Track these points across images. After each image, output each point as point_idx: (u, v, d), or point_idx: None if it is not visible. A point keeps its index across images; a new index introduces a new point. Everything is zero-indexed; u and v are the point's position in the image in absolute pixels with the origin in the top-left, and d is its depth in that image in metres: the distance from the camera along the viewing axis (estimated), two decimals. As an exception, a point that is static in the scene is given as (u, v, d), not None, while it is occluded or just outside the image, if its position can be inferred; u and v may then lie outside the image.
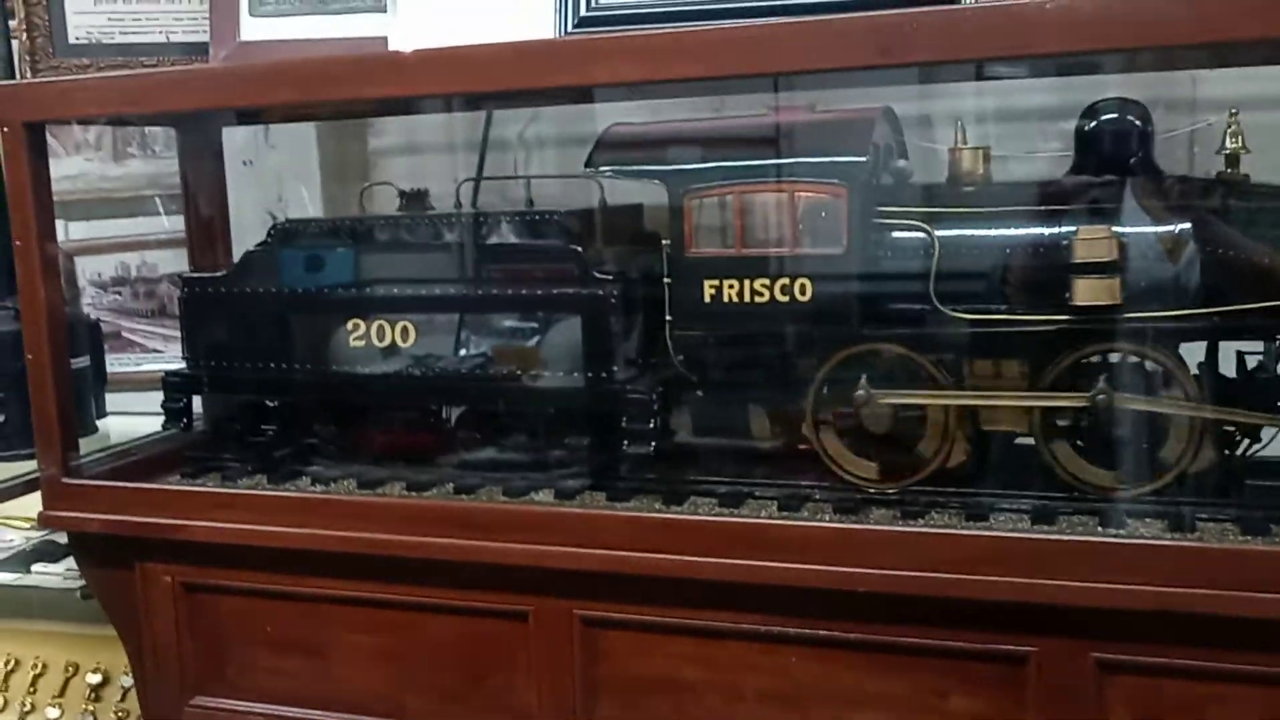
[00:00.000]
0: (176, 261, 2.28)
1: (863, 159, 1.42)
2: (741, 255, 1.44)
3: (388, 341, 1.60)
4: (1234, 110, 1.39)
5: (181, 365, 1.76)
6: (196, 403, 1.80)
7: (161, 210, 2.36)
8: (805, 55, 1.30)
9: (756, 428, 1.57)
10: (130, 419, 2.10)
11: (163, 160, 2.36)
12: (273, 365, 1.68)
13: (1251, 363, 1.40)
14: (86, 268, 2.43)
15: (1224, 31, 1.17)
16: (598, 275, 1.51)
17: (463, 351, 1.59)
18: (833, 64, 1.31)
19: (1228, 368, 1.41)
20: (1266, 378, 1.38)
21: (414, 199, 1.71)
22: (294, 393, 1.70)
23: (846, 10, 1.39)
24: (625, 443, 1.52)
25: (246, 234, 2.17)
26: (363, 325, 1.61)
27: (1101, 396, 1.33)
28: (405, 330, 1.59)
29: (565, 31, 1.50)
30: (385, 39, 1.61)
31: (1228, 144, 1.38)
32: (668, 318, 1.47)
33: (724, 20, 1.43)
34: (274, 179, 2.27)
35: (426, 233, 1.61)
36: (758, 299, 1.43)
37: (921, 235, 1.40)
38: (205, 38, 1.79)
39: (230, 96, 1.57)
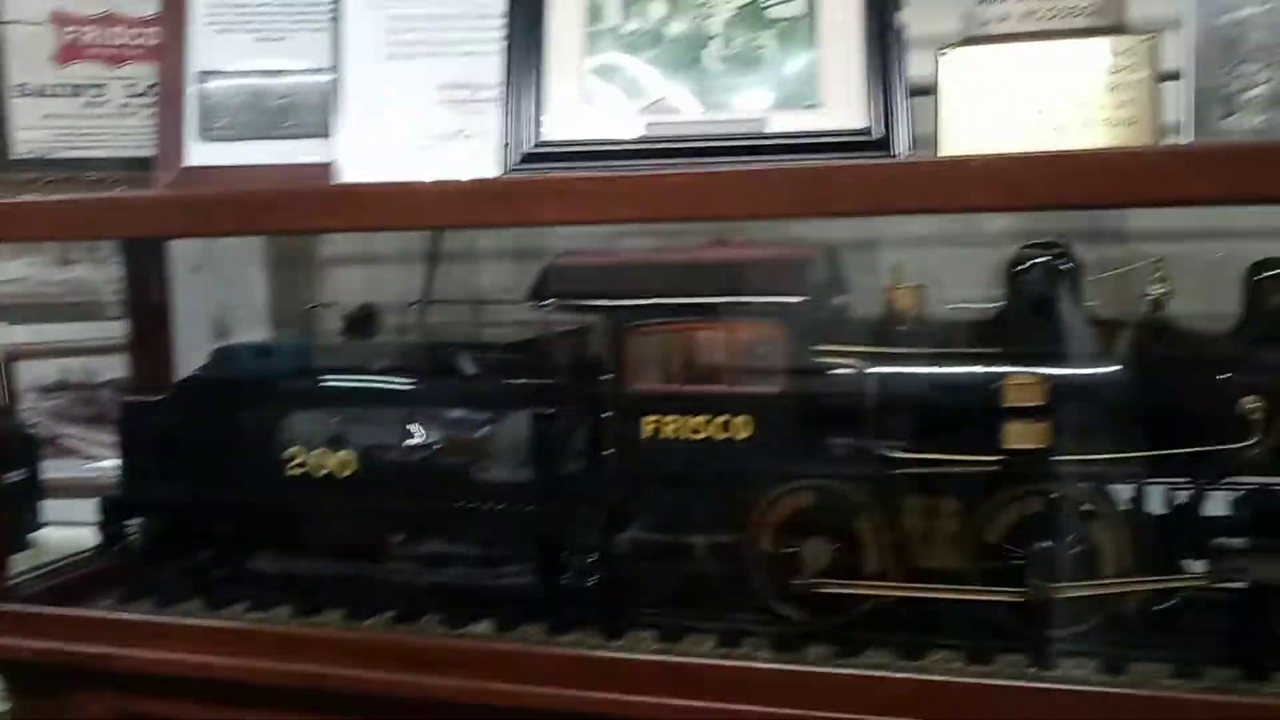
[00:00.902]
0: (120, 367, 2.27)
1: (800, 299, 1.44)
2: (681, 392, 1.46)
3: (327, 470, 1.59)
4: (1159, 258, 1.43)
5: (119, 487, 1.74)
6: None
7: (104, 316, 2.34)
8: (738, 203, 1.33)
9: (697, 563, 1.57)
10: (66, 530, 2.07)
11: (108, 265, 2.35)
12: (210, 490, 1.66)
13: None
14: (27, 372, 2.40)
15: (1147, 193, 1.21)
16: (540, 411, 1.52)
17: (405, 478, 1.59)
18: (765, 213, 1.34)
19: (1157, 507, 1.44)
20: (1193, 518, 1.40)
21: (359, 322, 1.71)
22: (232, 518, 1.68)
23: (782, 153, 1.43)
24: (566, 575, 1.52)
25: (191, 341, 2.17)
26: (302, 453, 1.60)
27: (1035, 588, 1.35)
28: (345, 461, 1.59)
29: (511, 166, 1.52)
30: (330, 166, 1.62)
31: (1153, 288, 1.42)
32: (608, 452, 1.48)
33: (666, 160, 1.46)
34: (222, 286, 2.27)
35: (370, 360, 1.62)
36: (696, 436, 1.45)
37: (858, 374, 1.43)
38: (152, 152, 1.79)
39: (173, 226, 1.58)
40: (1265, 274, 1.39)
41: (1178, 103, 1.37)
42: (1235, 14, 1.32)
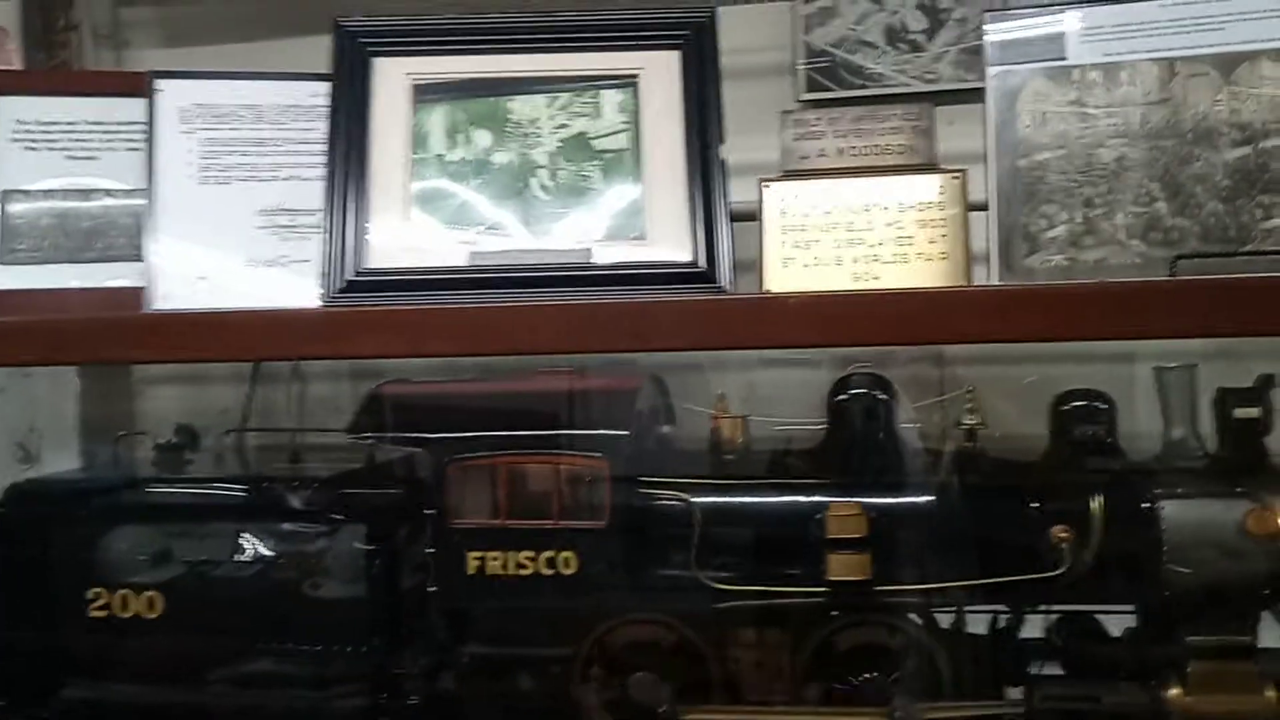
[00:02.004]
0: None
1: (625, 433, 1.44)
2: (505, 527, 1.43)
3: (132, 613, 1.51)
4: (971, 389, 1.47)
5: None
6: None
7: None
8: (559, 338, 1.32)
9: (525, 700, 1.53)
10: None
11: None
12: (6, 636, 1.55)
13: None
14: None
15: (958, 332, 1.25)
16: (359, 546, 1.47)
17: (216, 620, 1.51)
18: (586, 347, 1.33)
19: (979, 631, 1.46)
20: (1012, 644, 1.43)
21: (172, 451, 1.63)
22: (29, 664, 1.57)
23: (608, 285, 1.43)
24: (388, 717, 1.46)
25: (-8, 468, 2.05)
26: (105, 595, 1.51)
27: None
28: (152, 601, 1.50)
29: (331, 294, 1.48)
30: (142, 291, 1.56)
31: (966, 419, 1.46)
32: (431, 588, 1.44)
33: (490, 290, 1.44)
34: (27, 408, 2.15)
35: (182, 496, 1.54)
36: (522, 571, 1.42)
37: (683, 506, 1.42)
38: (-48, 273, 1.69)
39: (-33, 355, 1.49)
40: (1069, 405, 1.44)
41: (986, 233, 1.43)
42: (1034, 157, 1.38)
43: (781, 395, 1.81)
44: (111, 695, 1.61)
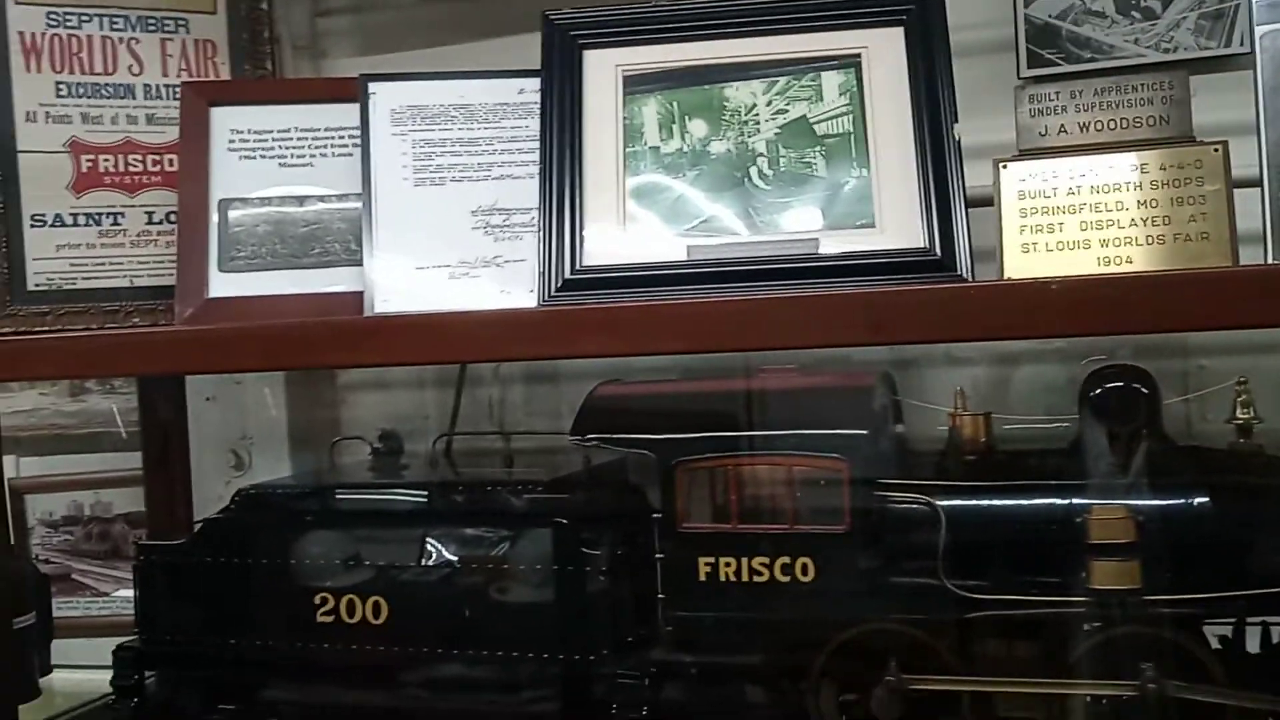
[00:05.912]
0: (134, 499, 2.19)
1: (864, 432, 1.36)
2: (738, 531, 1.36)
3: (358, 618, 1.50)
4: (1243, 379, 1.35)
5: (134, 638, 1.64)
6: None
7: (118, 448, 2.26)
8: (792, 331, 1.24)
9: (755, 712, 1.46)
10: (77, 673, 1.97)
11: (121, 395, 2.27)
12: (233, 641, 1.56)
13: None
14: (37, 506, 2.31)
15: (1233, 319, 1.13)
16: (585, 551, 1.42)
17: (442, 629, 1.48)
18: (820, 341, 1.25)
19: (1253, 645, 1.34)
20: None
21: (386, 456, 1.62)
22: (257, 670, 1.58)
23: (836, 276, 1.36)
24: (618, 730, 1.41)
25: (207, 475, 2.09)
26: (332, 600, 1.50)
27: (1151, 686, 1.24)
28: (377, 606, 1.49)
29: (549, 294, 1.45)
30: (359, 295, 1.55)
31: (1239, 414, 1.34)
32: (660, 595, 1.39)
33: (711, 285, 1.38)
34: (238, 415, 2.19)
35: (399, 501, 1.53)
36: (757, 578, 1.35)
37: (926, 509, 1.34)
38: (171, 280, 1.72)
39: (193, 362, 1.50)
40: (1361, 395, 1.30)
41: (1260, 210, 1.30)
42: (1311, 122, 1.25)
43: (1004, 392, 1.71)
44: (319, 698, 1.60)
